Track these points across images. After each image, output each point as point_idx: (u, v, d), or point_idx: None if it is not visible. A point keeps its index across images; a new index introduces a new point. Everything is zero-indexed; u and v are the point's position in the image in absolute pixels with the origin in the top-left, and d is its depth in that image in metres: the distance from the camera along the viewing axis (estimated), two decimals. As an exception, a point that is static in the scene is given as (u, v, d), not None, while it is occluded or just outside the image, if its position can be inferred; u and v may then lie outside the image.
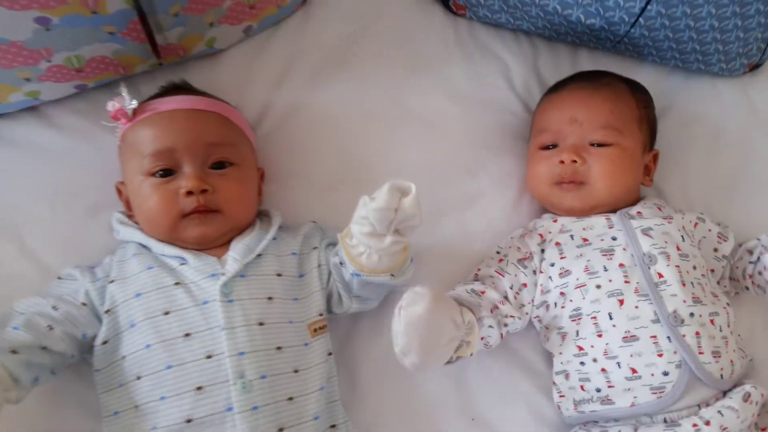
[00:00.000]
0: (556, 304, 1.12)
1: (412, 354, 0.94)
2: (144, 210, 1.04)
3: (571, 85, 1.22)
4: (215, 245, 1.05)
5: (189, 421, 0.93)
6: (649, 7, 1.17)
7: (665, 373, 1.01)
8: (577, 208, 1.16)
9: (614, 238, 1.11)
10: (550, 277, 1.13)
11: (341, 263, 1.04)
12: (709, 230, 1.17)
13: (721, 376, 1.03)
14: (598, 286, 1.08)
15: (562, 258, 1.13)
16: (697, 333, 1.03)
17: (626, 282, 1.07)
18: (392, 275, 1.01)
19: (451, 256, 1.21)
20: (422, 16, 1.37)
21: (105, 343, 0.99)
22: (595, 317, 1.07)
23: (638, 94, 1.22)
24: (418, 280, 1.06)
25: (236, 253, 1.03)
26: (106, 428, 0.98)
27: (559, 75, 1.31)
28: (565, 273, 1.11)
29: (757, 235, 1.16)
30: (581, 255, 1.11)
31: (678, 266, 1.07)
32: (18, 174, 1.16)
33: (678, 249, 1.09)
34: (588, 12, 1.23)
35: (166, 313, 0.97)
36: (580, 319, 1.08)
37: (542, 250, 1.15)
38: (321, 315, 1.07)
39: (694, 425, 0.98)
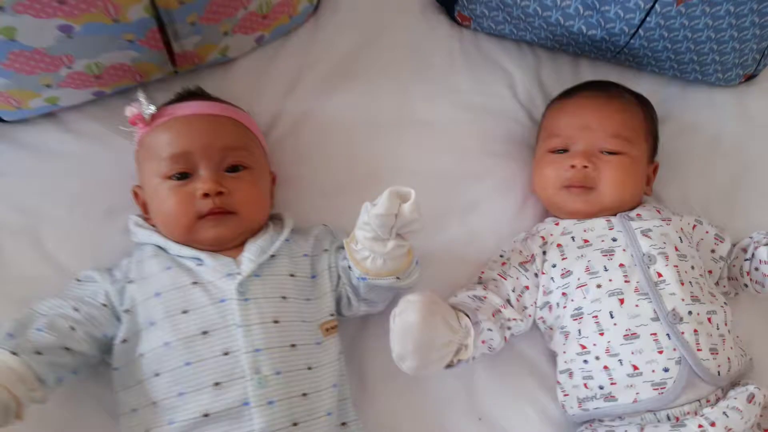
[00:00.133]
0: (558, 304, 1.14)
1: (408, 359, 0.98)
2: (161, 212, 1.06)
3: (583, 93, 1.25)
4: (230, 246, 1.07)
5: (206, 415, 0.95)
6: (648, 18, 1.20)
7: (665, 369, 1.04)
8: (582, 211, 1.19)
9: (614, 239, 1.14)
10: (552, 278, 1.15)
11: (349, 267, 1.06)
12: (707, 232, 1.20)
13: (719, 373, 1.05)
14: (599, 286, 1.10)
15: (563, 259, 1.15)
16: (695, 330, 1.05)
17: (626, 281, 1.09)
18: (398, 278, 1.04)
19: (457, 260, 1.23)
20: (428, 27, 1.39)
21: (124, 341, 1.01)
22: (596, 316, 1.09)
23: (645, 107, 1.25)
24: (424, 283, 1.09)
25: (251, 254, 1.05)
26: (124, 424, 1.00)
27: (561, 84, 1.35)
28: (566, 273, 1.14)
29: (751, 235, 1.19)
30: (582, 256, 1.14)
31: (676, 266, 1.10)
32: (37, 178, 1.18)
33: (676, 249, 1.12)
34: (589, 23, 1.25)
35: (185, 312, 0.99)
36: (581, 318, 1.10)
37: (544, 252, 1.18)
38: (332, 315, 1.09)
39: (700, 426, 1.00)
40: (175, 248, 1.06)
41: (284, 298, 1.04)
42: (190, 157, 1.05)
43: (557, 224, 1.21)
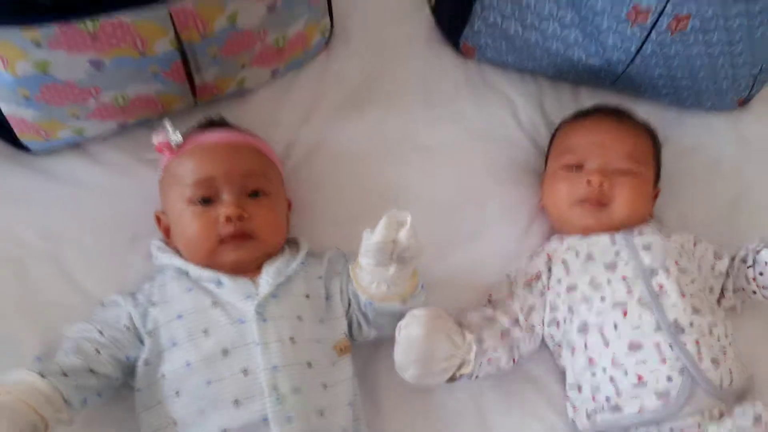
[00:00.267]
0: (565, 320, 1.16)
1: (410, 369, 1.03)
2: (185, 236, 1.09)
3: (597, 114, 1.28)
4: (249, 269, 1.09)
5: (225, 431, 0.97)
6: (645, 46, 1.24)
7: (669, 379, 1.05)
8: (591, 227, 1.21)
9: (617, 253, 1.16)
10: (558, 293, 1.18)
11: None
12: (706, 249, 1.22)
13: (721, 385, 1.06)
14: (603, 298, 1.12)
15: (568, 274, 1.18)
16: (697, 342, 1.07)
17: (629, 293, 1.11)
18: (403, 301, 1.07)
19: (463, 285, 1.25)
20: (435, 58, 1.43)
21: (147, 363, 1.03)
22: (601, 328, 1.11)
23: (652, 134, 1.29)
24: (430, 306, 1.10)
25: (269, 276, 1.07)
26: None
27: (563, 112, 1.38)
28: (571, 288, 1.16)
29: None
30: (586, 270, 1.16)
31: (677, 279, 1.12)
32: (63, 207, 1.20)
33: (677, 263, 1.14)
34: (589, 52, 1.29)
35: (205, 332, 1.02)
36: (587, 331, 1.12)
37: (549, 269, 1.21)
38: (345, 335, 1.11)
39: None
40: (196, 271, 1.08)
41: (300, 318, 1.06)
42: (213, 182, 1.08)
43: (562, 242, 1.24)
